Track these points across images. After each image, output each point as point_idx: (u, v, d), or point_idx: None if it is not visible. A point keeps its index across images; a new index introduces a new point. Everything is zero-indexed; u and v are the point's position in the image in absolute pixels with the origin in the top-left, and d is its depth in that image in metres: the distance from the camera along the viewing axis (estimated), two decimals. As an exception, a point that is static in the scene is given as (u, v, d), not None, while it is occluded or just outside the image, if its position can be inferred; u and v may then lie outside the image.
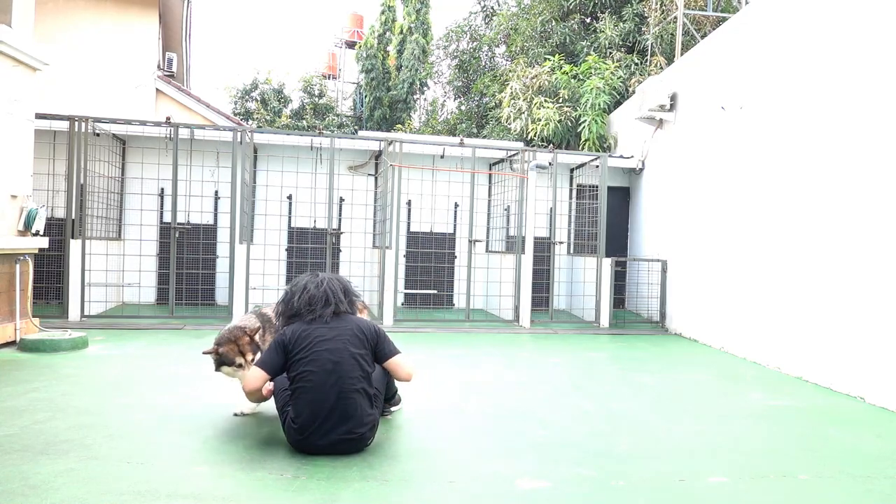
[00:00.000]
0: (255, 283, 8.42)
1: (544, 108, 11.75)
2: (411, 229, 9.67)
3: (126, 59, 11.90)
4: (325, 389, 3.08)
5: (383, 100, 23.26)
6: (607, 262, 8.57)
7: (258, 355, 3.49)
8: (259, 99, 23.71)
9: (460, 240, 9.77)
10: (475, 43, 19.25)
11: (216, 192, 9.06)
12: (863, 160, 5.11)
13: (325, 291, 3.33)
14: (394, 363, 3.38)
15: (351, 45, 29.87)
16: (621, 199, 10.13)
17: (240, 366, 3.52)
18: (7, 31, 5.54)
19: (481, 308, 9.59)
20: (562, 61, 12.77)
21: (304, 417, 3.09)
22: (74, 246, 7.37)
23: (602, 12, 13.80)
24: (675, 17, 11.80)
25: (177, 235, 7.89)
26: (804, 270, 5.73)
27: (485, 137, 15.72)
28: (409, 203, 9.55)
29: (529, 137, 12.11)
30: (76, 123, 7.52)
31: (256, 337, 3.65)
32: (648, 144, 9.39)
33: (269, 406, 3.72)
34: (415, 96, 23.39)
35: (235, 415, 3.76)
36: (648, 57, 12.43)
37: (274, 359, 3.21)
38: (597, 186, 8.90)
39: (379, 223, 8.86)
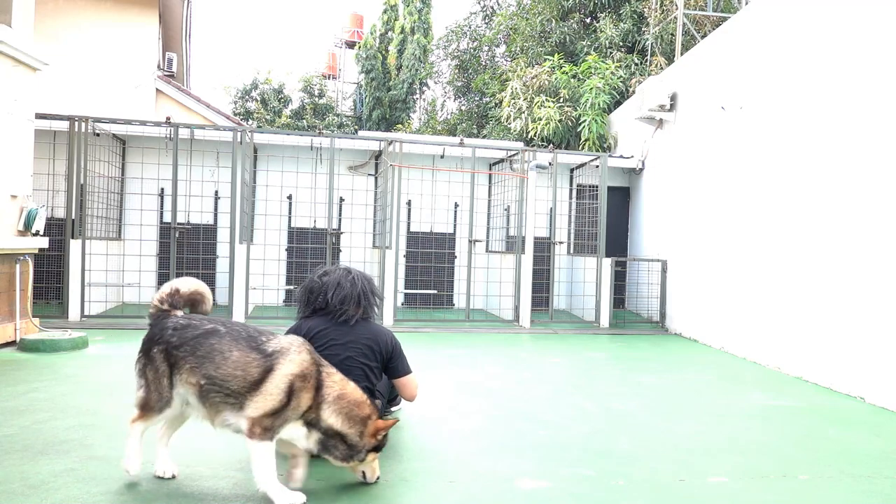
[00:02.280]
0: (255, 283, 8.43)
1: (544, 107, 11.75)
2: (411, 229, 9.67)
3: (126, 59, 11.89)
4: None
5: (383, 100, 23.26)
6: (607, 262, 8.57)
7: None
8: (259, 99, 23.71)
9: (460, 240, 9.77)
10: (475, 43, 19.25)
11: (216, 192, 9.06)
12: (862, 160, 5.11)
13: (359, 294, 3.22)
14: (402, 382, 3.31)
15: (351, 45, 29.89)
16: (621, 199, 10.13)
17: None
18: (7, 31, 5.54)
19: (481, 308, 9.59)
20: (562, 61, 12.78)
21: None
22: (74, 246, 7.36)
23: (602, 12, 13.80)
24: (675, 17, 11.79)
25: (177, 235, 7.89)
26: (804, 271, 5.73)
27: (485, 137, 15.73)
28: (409, 203, 9.55)
29: (529, 137, 12.11)
30: (76, 123, 7.52)
31: None
32: (648, 144, 9.39)
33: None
34: (415, 96, 23.40)
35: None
36: (648, 57, 12.43)
37: None
38: (597, 186, 8.90)
39: (379, 223, 8.86)
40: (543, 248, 9.03)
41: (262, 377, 2.57)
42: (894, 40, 4.87)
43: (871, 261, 4.94)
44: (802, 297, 5.72)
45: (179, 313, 2.80)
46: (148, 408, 2.68)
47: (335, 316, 3.18)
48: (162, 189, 8.78)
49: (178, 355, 2.63)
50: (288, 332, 3.17)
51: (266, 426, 2.53)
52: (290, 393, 2.56)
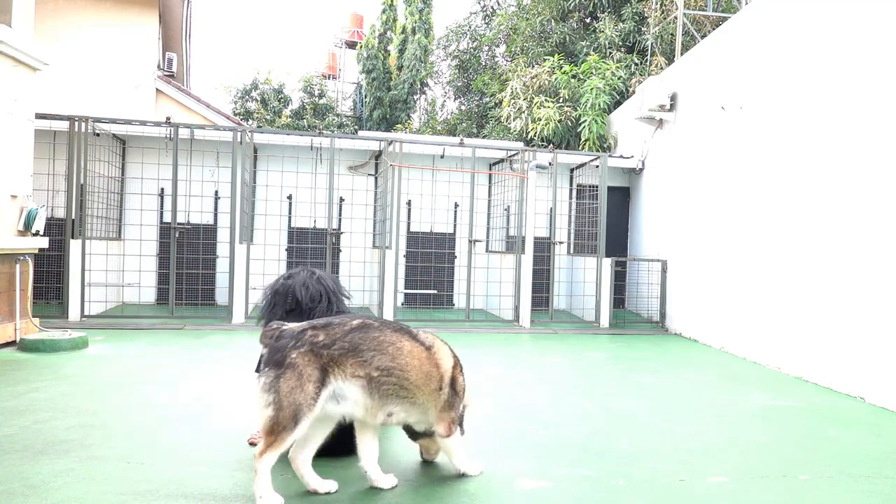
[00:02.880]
0: (255, 283, 8.42)
1: (544, 107, 11.75)
2: (411, 229, 9.67)
3: (126, 59, 11.90)
4: None
5: (384, 100, 23.27)
6: (607, 262, 8.57)
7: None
8: (259, 99, 23.71)
9: (460, 240, 9.77)
10: (475, 43, 19.25)
11: (216, 192, 9.06)
12: (862, 161, 5.11)
13: (328, 291, 3.30)
14: None
15: (351, 45, 29.89)
16: (621, 199, 10.13)
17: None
18: (7, 31, 5.54)
19: (481, 308, 9.59)
20: (561, 61, 12.78)
21: None
22: (74, 246, 7.37)
23: (602, 12, 13.80)
24: (675, 17, 11.79)
25: (177, 235, 7.89)
26: (804, 271, 5.73)
27: (485, 137, 15.72)
28: (409, 203, 9.55)
29: (529, 137, 12.11)
30: (76, 123, 7.52)
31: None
32: (648, 144, 9.39)
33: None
34: (415, 96, 23.40)
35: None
36: (648, 57, 12.43)
37: None
38: (597, 186, 8.90)
39: (379, 223, 8.86)
40: (543, 248, 9.03)
41: (433, 369, 2.76)
42: (894, 40, 4.87)
43: (870, 261, 4.94)
44: (802, 297, 5.72)
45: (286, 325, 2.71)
46: (279, 429, 2.48)
47: (308, 315, 3.22)
48: (162, 189, 8.78)
49: (334, 354, 2.59)
50: None
51: (454, 419, 2.84)
52: (454, 384, 2.85)
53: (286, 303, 3.28)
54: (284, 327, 2.69)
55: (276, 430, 2.49)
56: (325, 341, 2.61)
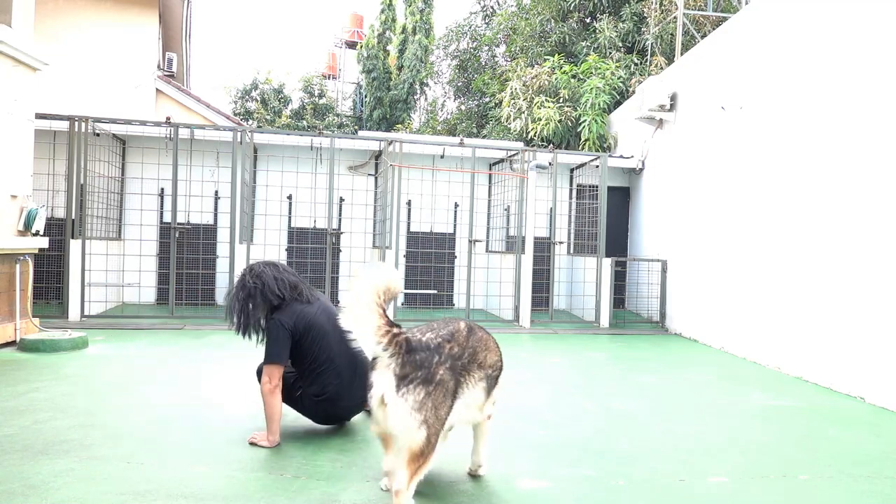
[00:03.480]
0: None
1: (544, 107, 11.75)
2: (411, 229, 9.67)
3: (126, 59, 11.90)
4: (344, 354, 3.34)
5: (384, 100, 23.26)
6: (607, 262, 8.57)
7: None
8: (259, 99, 23.71)
9: (460, 240, 9.77)
10: (475, 43, 19.25)
11: (216, 192, 9.06)
12: (862, 161, 5.11)
13: (295, 278, 3.50)
14: None
15: (351, 45, 29.90)
16: (621, 199, 10.13)
17: None
18: (7, 31, 5.54)
19: (481, 308, 9.59)
20: (561, 61, 12.78)
21: (333, 387, 3.32)
22: (74, 246, 7.36)
23: (601, 12, 13.80)
24: (675, 17, 11.79)
25: (177, 235, 7.89)
26: (804, 271, 5.73)
27: (485, 137, 15.72)
28: (409, 203, 9.55)
29: (529, 137, 12.11)
30: (76, 123, 7.52)
31: None
32: (648, 144, 9.39)
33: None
34: (415, 96, 23.40)
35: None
36: (648, 57, 12.43)
37: (284, 349, 3.27)
38: (597, 186, 8.89)
39: (379, 223, 8.86)
40: (543, 248, 9.03)
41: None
42: (894, 40, 4.87)
43: (870, 261, 4.94)
44: (802, 297, 5.72)
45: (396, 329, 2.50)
46: (430, 450, 2.43)
47: (300, 302, 3.40)
48: (162, 189, 8.78)
49: (465, 362, 2.65)
50: (277, 331, 3.27)
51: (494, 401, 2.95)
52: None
53: (270, 302, 3.37)
54: (413, 336, 2.53)
55: (427, 451, 2.43)
56: (459, 352, 2.62)
